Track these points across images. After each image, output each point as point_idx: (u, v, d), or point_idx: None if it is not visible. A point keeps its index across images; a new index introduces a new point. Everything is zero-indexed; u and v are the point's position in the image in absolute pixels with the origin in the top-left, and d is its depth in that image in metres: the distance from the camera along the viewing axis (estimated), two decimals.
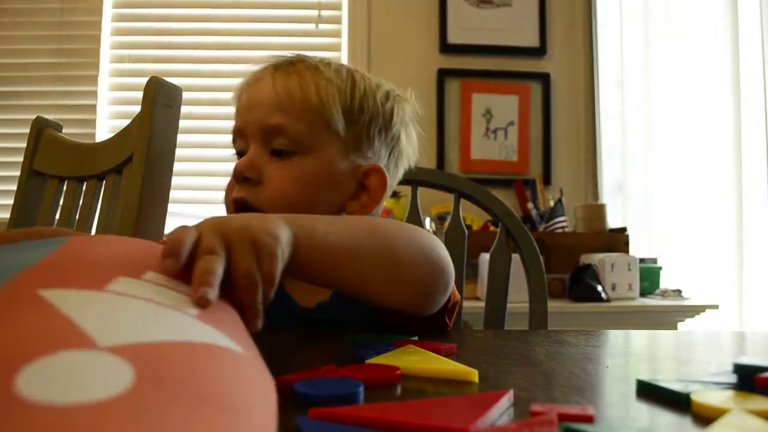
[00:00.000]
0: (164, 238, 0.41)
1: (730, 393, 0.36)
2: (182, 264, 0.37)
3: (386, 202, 0.89)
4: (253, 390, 0.26)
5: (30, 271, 0.32)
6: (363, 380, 0.38)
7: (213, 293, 0.35)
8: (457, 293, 0.70)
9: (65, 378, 0.22)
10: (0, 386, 0.21)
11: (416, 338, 0.57)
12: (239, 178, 0.69)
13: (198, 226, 0.42)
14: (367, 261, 0.53)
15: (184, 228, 0.40)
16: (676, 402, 0.36)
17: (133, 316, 0.28)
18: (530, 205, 2.37)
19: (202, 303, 0.34)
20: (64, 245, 0.37)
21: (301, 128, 0.69)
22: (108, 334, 0.25)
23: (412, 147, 0.80)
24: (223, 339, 0.30)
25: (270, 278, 0.42)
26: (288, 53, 0.77)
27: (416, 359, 0.46)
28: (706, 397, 0.35)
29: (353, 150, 0.72)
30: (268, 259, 0.42)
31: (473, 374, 0.42)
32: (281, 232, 0.45)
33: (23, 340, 0.24)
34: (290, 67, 0.73)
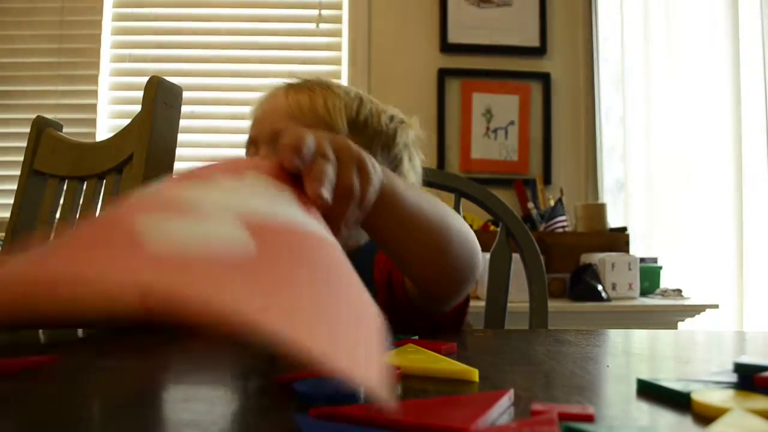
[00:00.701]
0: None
1: (731, 392, 0.36)
2: (305, 163, 0.38)
3: None
4: (357, 284, 0.28)
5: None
6: None
7: (328, 193, 0.36)
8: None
9: (189, 233, 0.23)
10: (126, 231, 0.22)
11: (416, 337, 0.57)
12: None
13: (313, 132, 0.42)
14: (427, 230, 0.55)
15: (302, 129, 0.41)
16: (677, 401, 0.36)
17: (249, 195, 0.30)
18: (530, 205, 2.37)
19: (319, 201, 0.34)
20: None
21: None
22: (227, 205, 0.27)
23: (414, 172, 0.85)
24: (328, 234, 0.31)
25: (364, 202, 0.43)
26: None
27: (416, 359, 0.46)
28: (706, 396, 0.35)
29: None
30: (367, 184, 0.43)
31: (474, 373, 0.42)
32: (378, 167, 0.47)
33: (148, 198, 0.27)
34: (303, 84, 0.78)
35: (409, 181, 0.83)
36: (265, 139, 0.75)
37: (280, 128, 0.71)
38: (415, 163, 0.85)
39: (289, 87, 0.78)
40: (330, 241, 0.30)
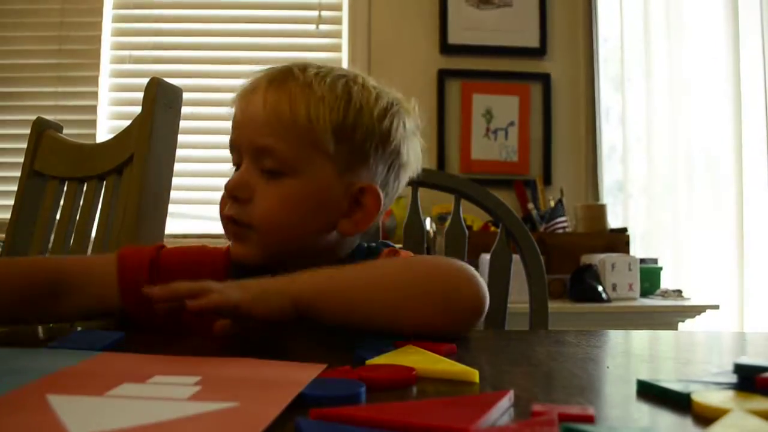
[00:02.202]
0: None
1: (731, 393, 0.36)
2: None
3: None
4: None
5: (48, 377, 0.39)
6: (379, 381, 0.39)
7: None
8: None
9: None
10: None
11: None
12: (230, 195, 0.70)
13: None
14: (369, 309, 0.59)
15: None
16: (677, 402, 0.36)
17: (111, 410, 0.33)
18: (530, 206, 2.37)
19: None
20: (90, 359, 0.44)
21: (289, 150, 0.69)
22: (81, 427, 0.29)
23: (414, 158, 0.79)
24: (211, 406, 0.33)
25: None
26: (286, 63, 0.75)
27: (416, 360, 0.46)
28: (706, 397, 0.35)
29: (346, 168, 0.71)
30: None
31: (474, 374, 0.42)
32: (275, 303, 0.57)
33: None
34: (282, 83, 0.71)
35: (410, 169, 0.79)
36: (246, 151, 0.71)
37: (263, 144, 0.69)
38: (415, 150, 0.79)
39: (269, 84, 0.71)
40: None
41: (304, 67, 0.73)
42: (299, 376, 0.39)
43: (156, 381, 0.38)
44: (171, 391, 0.36)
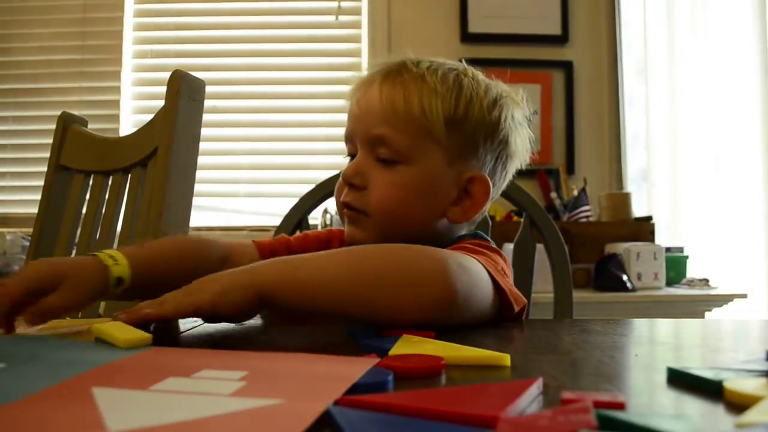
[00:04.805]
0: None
1: (763, 380, 0.36)
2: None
3: None
4: None
5: (97, 369, 0.40)
6: (408, 370, 0.39)
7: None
8: (522, 298, 0.68)
9: None
10: None
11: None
12: (346, 183, 0.74)
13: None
14: (343, 288, 0.57)
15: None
16: (707, 390, 0.35)
17: (152, 405, 0.33)
18: (553, 195, 2.36)
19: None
20: (141, 353, 0.46)
21: (404, 139, 0.72)
22: (120, 422, 0.29)
23: (522, 148, 0.81)
24: (253, 402, 0.32)
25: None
26: (399, 59, 0.78)
27: (439, 348, 0.46)
28: (738, 384, 0.34)
29: (457, 157, 0.74)
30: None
31: (505, 358, 0.42)
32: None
33: (55, 425, 0.30)
34: (397, 76, 0.75)
35: (518, 160, 0.81)
36: (361, 141, 0.75)
37: (379, 134, 0.72)
38: (522, 140, 0.81)
39: (384, 79, 0.75)
40: None
41: (417, 61, 0.77)
42: (348, 371, 0.38)
43: (202, 375, 0.38)
44: (215, 386, 0.36)
